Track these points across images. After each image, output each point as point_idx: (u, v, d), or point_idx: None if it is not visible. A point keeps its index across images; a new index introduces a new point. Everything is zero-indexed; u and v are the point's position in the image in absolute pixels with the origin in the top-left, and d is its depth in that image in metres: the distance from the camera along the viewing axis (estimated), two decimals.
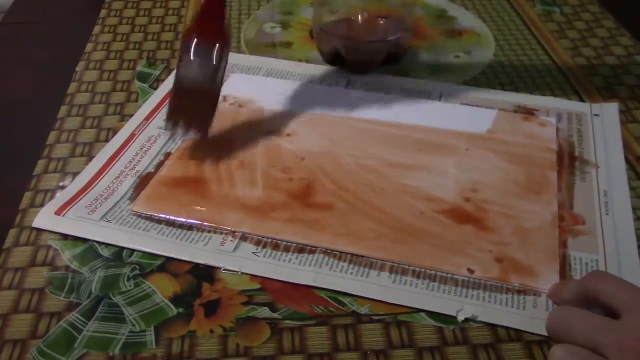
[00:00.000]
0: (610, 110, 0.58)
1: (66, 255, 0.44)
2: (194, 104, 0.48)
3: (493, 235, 0.45)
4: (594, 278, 0.38)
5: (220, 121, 0.56)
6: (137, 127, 0.55)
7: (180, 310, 0.41)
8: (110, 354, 0.38)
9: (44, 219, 0.46)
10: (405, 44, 0.64)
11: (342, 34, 0.62)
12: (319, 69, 0.63)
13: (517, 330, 0.39)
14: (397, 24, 0.62)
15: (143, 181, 0.49)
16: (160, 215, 0.46)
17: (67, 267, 0.43)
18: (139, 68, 0.64)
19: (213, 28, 0.46)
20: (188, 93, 0.48)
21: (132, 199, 0.48)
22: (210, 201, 0.48)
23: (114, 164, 0.51)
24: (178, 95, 0.48)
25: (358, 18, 0.62)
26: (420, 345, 0.39)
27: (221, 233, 0.45)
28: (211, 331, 0.39)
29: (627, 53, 0.67)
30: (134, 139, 0.54)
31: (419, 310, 0.40)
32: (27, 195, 0.49)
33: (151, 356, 0.38)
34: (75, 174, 0.50)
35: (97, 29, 0.71)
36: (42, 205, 0.47)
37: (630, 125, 0.57)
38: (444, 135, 0.54)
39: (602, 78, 0.63)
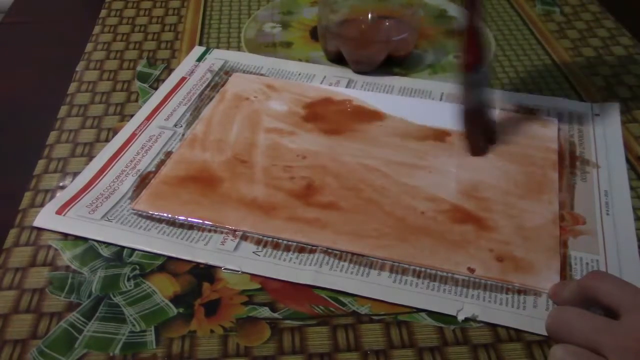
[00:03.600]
0: (611, 110, 0.58)
1: (66, 256, 0.44)
2: (480, 122, 0.54)
3: (494, 235, 0.45)
4: (594, 278, 0.38)
5: (222, 120, 0.56)
6: (138, 127, 0.55)
7: (181, 310, 0.41)
8: (111, 354, 0.38)
9: (45, 218, 0.46)
10: (410, 45, 0.64)
11: (346, 34, 0.62)
12: (319, 68, 0.63)
13: (517, 330, 0.39)
14: (402, 25, 0.62)
15: (144, 180, 0.49)
16: (162, 213, 0.46)
17: (67, 267, 0.43)
18: (139, 68, 0.64)
19: (478, 56, 0.52)
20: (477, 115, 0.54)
21: (133, 198, 0.48)
22: (211, 200, 0.48)
23: (115, 163, 0.51)
24: (473, 120, 0.53)
25: (362, 18, 0.62)
26: (421, 345, 0.39)
27: (222, 232, 0.45)
28: (211, 331, 0.39)
29: (627, 53, 0.67)
30: (135, 138, 0.54)
31: (419, 310, 0.40)
32: (27, 195, 0.49)
33: (151, 356, 0.38)
34: (75, 174, 0.50)
35: (97, 29, 0.71)
36: (42, 205, 0.47)
37: (631, 125, 0.57)
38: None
39: (602, 78, 0.63)
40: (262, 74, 0.63)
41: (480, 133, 0.53)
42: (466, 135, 0.53)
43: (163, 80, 0.61)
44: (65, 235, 0.45)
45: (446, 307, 0.40)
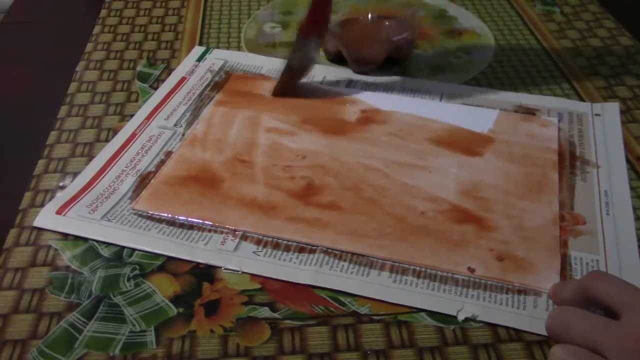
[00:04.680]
0: (611, 110, 0.58)
1: (66, 256, 0.44)
2: (295, 75, 0.61)
3: (494, 235, 0.45)
4: (594, 278, 0.38)
5: (222, 120, 0.56)
6: (138, 127, 0.55)
7: (181, 310, 0.41)
8: (111, 354, 0.38)
9: (46, 218, 0.46)
10: (410, 46, 0.64)
11: (346, 34, 0.62)
12: (319, 68, 0.63)
13: (517, 330, 0.39)
14: (402, 25, 0.62)
15: (144, 180, 0.49)
16: (162, 213, 0.46)
17: (67, 267, 0.43)
18: (139, 68, 0.64)
19: (318, 27, 0.58)
20: (293, 72, 0.60)
21: (133, 198, 0.48)
22: (211, 200, 0.48)
23: (115, 163, 0.51)
24: (288, 71, 0.59)
25: (362, 18, 0.62)
26: (421, 345, 0.39)
27: (222, 232, 0.45)
28: (211, 331, 0.39)
29: (627, 53, 0.67)
30: (135, 138, 0.54)
31: (419, 310, 0.40)
32: (27, 195, 0.49)
33: (151, 356, 0.38)
34: (75, 174, 0.50)
35: (97, 29, 0.71)
36: (42, 205, 0.47)
37: (631, 125, 0.57)
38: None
39: (602, 78, 0.63)
40: (262, 74, 0.63)
41: (288, 84, 0.59)
42: (278, 81, 0.59)
43: (163, 80, 0.62)
44: (65, 235, 0.45)
45: (446, 307, 0.40)
